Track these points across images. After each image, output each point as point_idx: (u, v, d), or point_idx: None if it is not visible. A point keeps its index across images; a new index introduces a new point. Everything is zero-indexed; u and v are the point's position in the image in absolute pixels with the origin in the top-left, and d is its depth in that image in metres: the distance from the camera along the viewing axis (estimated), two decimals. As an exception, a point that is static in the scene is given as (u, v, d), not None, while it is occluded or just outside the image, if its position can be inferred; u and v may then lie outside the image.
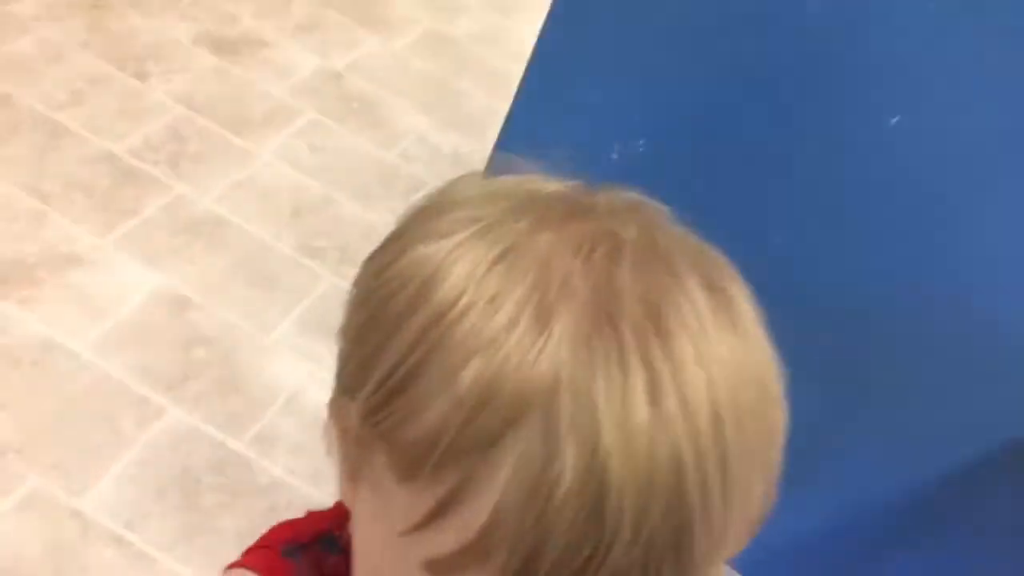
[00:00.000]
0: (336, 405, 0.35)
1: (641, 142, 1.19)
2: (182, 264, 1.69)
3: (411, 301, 0.32)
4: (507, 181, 0.36)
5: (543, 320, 0.30)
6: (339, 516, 0.48)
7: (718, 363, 0.31)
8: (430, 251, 0.32)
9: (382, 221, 1.91)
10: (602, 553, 0.29)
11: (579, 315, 0.30)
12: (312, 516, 0.52)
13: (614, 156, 1.19)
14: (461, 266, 0.31)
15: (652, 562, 0.30)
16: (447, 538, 0.30)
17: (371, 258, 0.36)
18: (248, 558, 0.48)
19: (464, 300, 0.31)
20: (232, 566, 0.47)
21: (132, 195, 1.76)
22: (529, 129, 1.23)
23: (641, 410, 0.29)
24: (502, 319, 0.30)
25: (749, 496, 0.33)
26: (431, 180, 2.00)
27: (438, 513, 0.30)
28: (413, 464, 0.31)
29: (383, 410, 0.32)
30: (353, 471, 0.35)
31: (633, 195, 0.37)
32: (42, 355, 1.48)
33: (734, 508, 0.32)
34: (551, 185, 0.36)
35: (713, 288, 0.33)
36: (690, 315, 0.31)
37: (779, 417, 0.34)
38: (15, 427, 1.39)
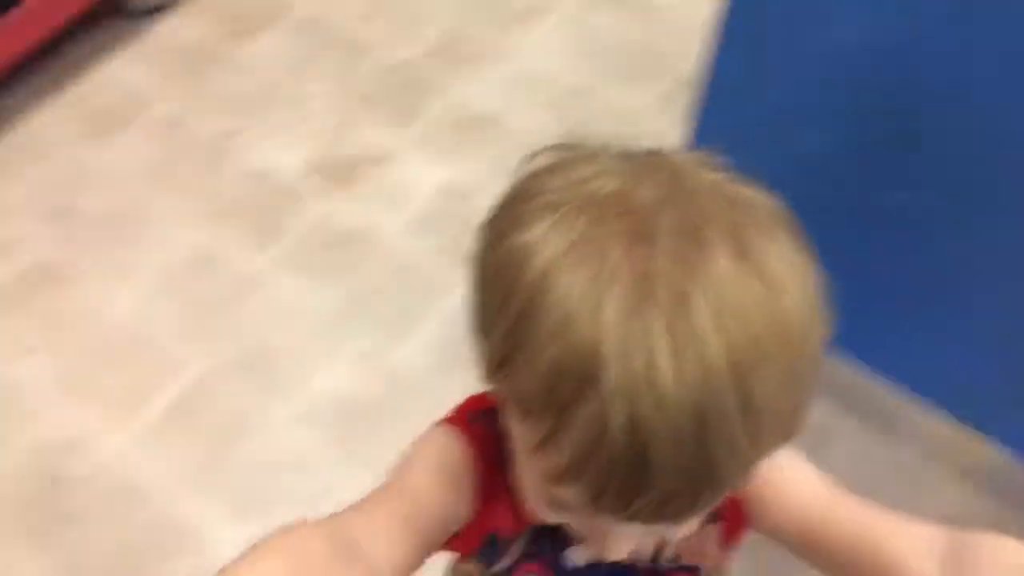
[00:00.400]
0: (477, 344, 0.46)
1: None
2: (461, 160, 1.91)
3: (509, 287, 0.41)
4: (573, 180, 0.43)
5: (599, 305, 0.38)
6: None
7: (737, 320, 0.38)
8: (523, 239, 0.41)
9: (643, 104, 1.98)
10: (648, 483, 0.39)
11: (623, 299, 0.38)
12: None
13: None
14: (544, 257, 0.40)
15: (691, 487, 0.40)
16: (549, 463, 0.41)
17: (484, 231, 0.45)
18: (446, 421, 0.60)
19: (546, 285, 0.39)
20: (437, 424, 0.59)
21: (416, 99, 2.00)
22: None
23: (667, 375, 0.37)
24: (572, 304, 0.38)
25: (774, 422, 0.41)
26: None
27: (540, 447, 0.41)
28: (522, 412, 0.42)
29: (498, 372, 0.43)
30: (499, 398, 0.46)
31: (677, 164, 0.43)
32: (360, 239, 1.79)
33: (760, 435, 0.40)
34: (607, 183, 0.42)
35: (742, 254, 0.39)
36: (713, 287, 0.38)
37: (805, 353, 0.41)
38: (346, 297, 1.72)
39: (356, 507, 0.52)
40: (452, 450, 0.57)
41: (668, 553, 0.60)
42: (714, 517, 0.59)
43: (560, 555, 0.60)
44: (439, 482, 0.55)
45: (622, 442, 0.38)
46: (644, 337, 0.37)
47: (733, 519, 0.60)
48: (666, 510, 0.41)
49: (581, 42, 2.11)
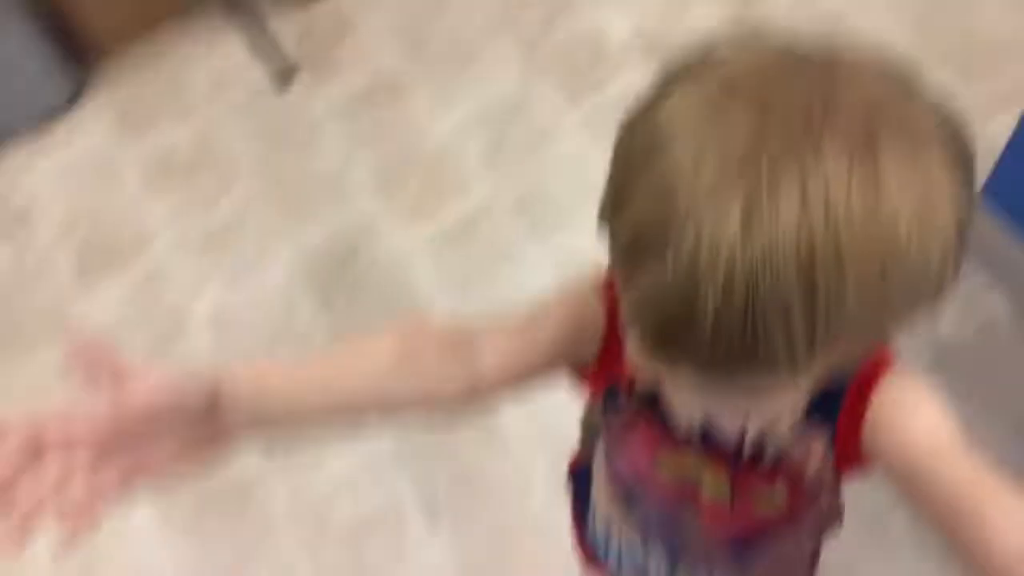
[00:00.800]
0: None
1: None
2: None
3: (632, 141, 0.45)
4: (729, 58, 0.44)
5: (697, 171, 0.40)
6: None
7: (823, 216, 0.38)
8: (653, 114, 0.44)
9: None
10: (692, 335, 0.41)
11: (723, 169, 0.40)
12: None
13: None
14: (673, 115, 0.43)
15: (730, 353, 0.41)
16: (624, 304, 0.45)
17: (629, 114, 0.47)
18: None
19: (657, 148, 0.42)
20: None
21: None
22: None
23: (729, 239, 0.38)
24: (672, 166, 0.41)
25: (843, 326, 0.40)
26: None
27: (620, 288, 0.45)
28: (611, 257, 0.46)
29: (604, 215, 0.46)
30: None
31: (843, 61, 0.43)
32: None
33: (820, 331, 0.40)
34: (760, 61, 0.43)
35: (858, 145, 0.39)
36: (812, 169, 0.38)
37: (895, 273, 0.40)
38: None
39: (492, 321, 0.61)
40: (588, 303, 0.62)
41: (771, 449, 0.62)
42: (822, 429, 0.60)
43: (667, 419, 0.63)
44: (568, 322, 0.61)
45: (676, 289, 0.40)
46: (724, 202, 0.39)
47: (848, 434, 0.59)
48: (709, 372, 0.43)
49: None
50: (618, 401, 0.67)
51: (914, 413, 0.56)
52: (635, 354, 0.50)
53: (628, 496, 0.76)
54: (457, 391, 0.59)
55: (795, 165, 0.39)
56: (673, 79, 0.45)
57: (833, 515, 0.70)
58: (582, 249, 1.69)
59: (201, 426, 0.48)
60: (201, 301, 1.81)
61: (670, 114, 0.43)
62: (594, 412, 0.78)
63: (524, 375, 0.61)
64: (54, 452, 0.43)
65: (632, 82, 1.88)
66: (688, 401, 0.52)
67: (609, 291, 0.62)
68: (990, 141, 1.67)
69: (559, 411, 0.91)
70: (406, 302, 1.72)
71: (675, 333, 0.42)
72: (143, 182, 1.99)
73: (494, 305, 1.68)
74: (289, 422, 0.54)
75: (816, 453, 0.61)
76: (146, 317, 1.81)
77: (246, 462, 1.59)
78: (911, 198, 0.40)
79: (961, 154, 0.43)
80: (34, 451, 0.43)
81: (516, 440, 1.54)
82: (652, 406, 0.63)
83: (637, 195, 0.43)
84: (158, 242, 1.90)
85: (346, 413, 0.55)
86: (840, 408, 0.58)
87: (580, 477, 0.89)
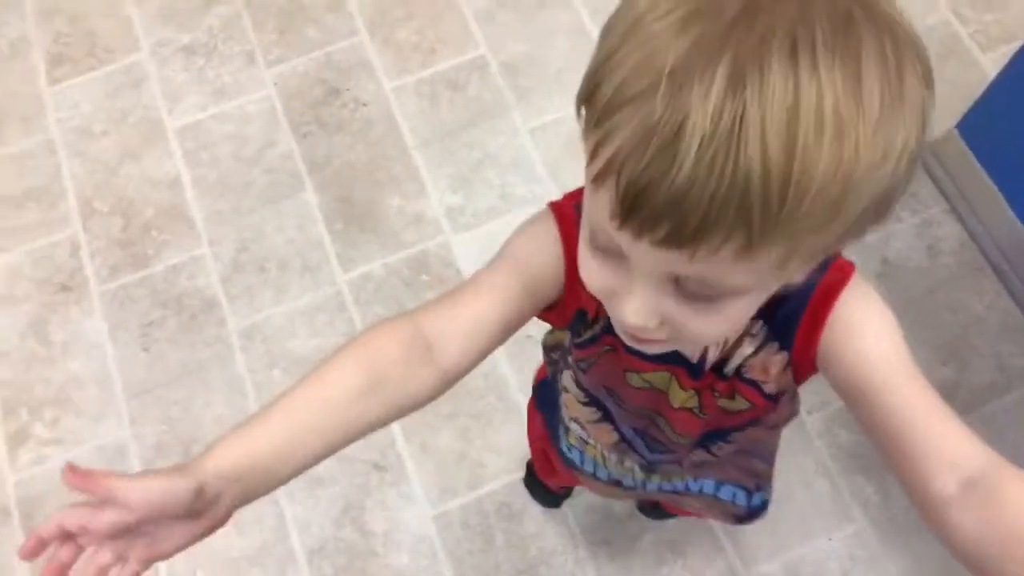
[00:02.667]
0: None
1: None
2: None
3: (622, 12, 0.45)
4: None
5: (685, 28, 0.41)
6: None
7: (811, 74, 0.39)
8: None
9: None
10: (670, 179, 0.41)
11: (713, 29, 0.40)
12: None
13: None
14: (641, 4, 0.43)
15: (707, 196, 0.41)
16: (595, 167, 0.45)
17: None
18: (553, 206, 0.64)
19: (646, 14, 0.43)
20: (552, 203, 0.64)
21: None
22: None
23: (720, 80, 0.39)
24: (661, 25, 0.42)
25: (821, 188, 0.40)
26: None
27: (594, 152, 0.45)
28: (589, 121, 0.45)
29: (585, 90, 0.46)
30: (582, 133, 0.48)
31: None
32: None
33: (797, 189, 0.40)
34: None
35: (842, 25, 0.40)
36: (801, 39, 0.40)
37: (885, 140, 0.41)
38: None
39: (438, 305, 0.61)
40: (550, 232, 0.63)
41: (730, 365, 0.65)
42: (780, 346, 0.62)
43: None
44: (519, 284, 0.62)
45: (660, 127, 0.40)
46: (715, 55, 0.40)
47: (804, 350, 0.60)
48: (681, 221, 0.42)
49: None
50: (588, 323, 0.68)
51: (867, 335, 0.56)
52: (593, 245, 0.50)
53: (600, 404, 0.79)
54: (430, 390, 0.60)
55: (787, 25, 0.40)
56: None
57: (792, 412, 0.73)
58: (560, 120, 1.71)
59: (197, 511, 0.52)
60: (177, 114, 1.78)
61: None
62: (555, 333, 0.81)
63: (487, 347, 0.62)
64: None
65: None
66: (632, 292, 0.50)
67: (571, 224, 0.62)
68: (982, 75, 1.68)
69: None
70: (384, 147, 1.72)
71: (654, 166, 0.41)
72: (127, -20, 1.90)
73: (470, 164, 1.69)
74: (278, 483, 0.56)
75: (775, 367, 0.63)
76: (119, 119, 1.78)
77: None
78: (881, 81, 0.41)
79: (929, 72, 0.44)
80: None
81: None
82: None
83: (619, 57, 0.43)
84: (140, 46, 1.85)
85: (331, 450, 0.58)
86: (798, 325, 0.59)
87: (546, 388, 0.93)
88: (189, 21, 1.87)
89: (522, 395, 1.50)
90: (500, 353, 1.52)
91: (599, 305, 0.63)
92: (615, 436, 0.82)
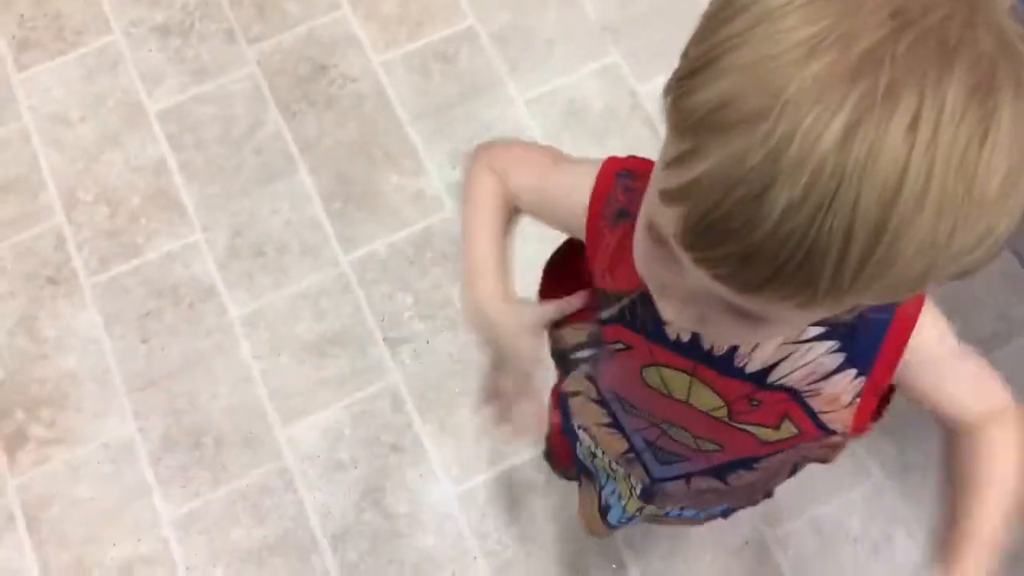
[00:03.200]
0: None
1: None
2: None
3: (743, 6, 0.39)
4: None
5: (808, 59, 0.36)
6: None
7: (929, 144, 0.35)
8: (777, 32, 0.37)
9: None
10: (748, 226, 0.38)
11: (840, 64, 0.35)
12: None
13: None
14: (799, 17, 0.37)
15: (774, 259, 0.38)
16: (673, 178, 0.41)
17: None
18: (602, 166, 0.66)
19: (768, 20, 0.37)
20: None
21: None
22: None
23: (828, 141, 0.35)
24: (784, 45, 0.36)
25: (900, 266, 0.37)
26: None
27: (676, 162, 0.41)
28: (678, 124, 0.41)
29: (683, 80, 0.41)
30: (665, 115, 0.44)
31: None
32: (655, -37, 1.78)
33: (874, 266, 0.37)
34: None
35: (980, 84, 0.36)
36: (930, 98, 0.35)
37: (986, 225, 0.38)
38: (619, 9, 1.75)
39: (519, 162, 0.73)
40: (584, 189, 0.65)
41: (778, 372, 0.61)
42: (858, 372, 0.61)
43: (658, 327, 0.63)
44: (565, 202, 0.67)
45: (754, 169, 0.37)
46: (831, 105, 0.35)
47: (881, 378, 0.61)
48: (744, 272, 0.40)
49: None
50: (606, 302, 0.67)
51: (942, 371, 0.64)
52: (652, 237, 0.48)
53: (610, 408, 0.77)
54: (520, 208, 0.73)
55: (916, 83, 0.35)
56: None
57: (838, 448, 0.71)
58: (557, 89, 1.70)
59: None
60: (157, 96, 1.71)
61: (779, 31, 0.37)
62: (564, 338, 0.79)
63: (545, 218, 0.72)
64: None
65: (629, -79, 1.82)
66: (678, 298, 0.49)
67: (604, 193, 0.64)
68: None
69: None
70: (376, 123, 1.68)
71: (732, 216, 0.38)
72: (93, -42, 1.82)
73: (467, 138, 1.66)
74: None
75: (848, 395, 0.62)
76: (96, 104, 1.70)
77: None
78: (1011, 156, 0.37)
79: None
80: None
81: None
82: (648, 313, 0.62)
83: (733, 60, 0.38)
84: (112, 27, 1.77)
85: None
86: (878, 354, 0.59)
87: (563, 399, 0.92)
88: (161, 0, 1.79)
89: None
90: (513, 327, 1.51)
91: (621, 283, 0.64)
92: (625, 445, 0.80)
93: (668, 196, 0.41)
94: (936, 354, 0.62)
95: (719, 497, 0.85)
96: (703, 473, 0.78)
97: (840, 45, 0.36)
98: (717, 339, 0.54)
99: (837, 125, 0.35)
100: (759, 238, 0.37)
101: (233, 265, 1.58)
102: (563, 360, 0.81)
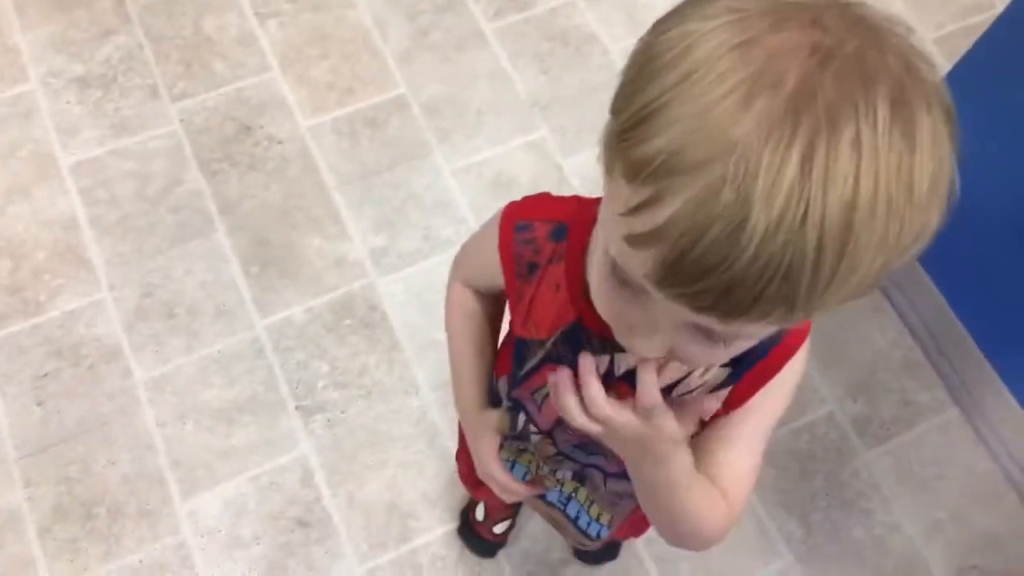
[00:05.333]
0: (607, 124, 0.47)
1: None
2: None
3: (670, 61, 0.41)
4: None
5: (748, 101, 0.39)
6: (575, 211, 0.66)
7: (872, 160, 0.39)
8: (693, 28, 0.42)
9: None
10: (728, 263, 0.40)
11: (776, 104, 0.39)
12: (552, 202, 0.70)
13: None
14: (708, 46, 0.41)
15: (762, 281, 0.40)
16: (638, 224, 0.43)
17: (658, 22, 0.45)
18: (499, 224, 0.70)
19: (701, 71, 0.40)
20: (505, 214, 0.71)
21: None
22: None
23: (790, 173, 0.38)
24: (721, 91, 0.39)
25: (862, 268, 0.41)
26: None
27: (639, 208, 0.42)
28: (633, 173, 0.42)
29: (627, 133, 0.43)
30: (607, 167, 0.46)
31: (869, 11, 0.42)
32: (585, 44, 1.83)
33: (843, 271, 0.40)
34: (840, 25, 0.41)
35: (898, 102, 0.40)
36: (864, 120, 0.39)
37: (922, 221, 0.42)
38: (548, 86, 1.78)
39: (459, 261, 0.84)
40: (491, 251, 0.71)
41: (681, 388, 0.64)
42: (732, 379, 0.64)
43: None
44: (483, 270, 0.75)
45: (725, 213, 0.39)
46: (784, 138, 0.38)
47: (746, 392, 0.64)
48: (726, 301, 0.42)
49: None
50: (530, 351, 0.70)
51: (775, 398, 0.65)
52: (617, 280, 0.49)
53: (548, 432, 0.79)
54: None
55: (850, 107, 0.39)
56: (687, 15, 0.43)
57: None
58: (484, 161, 1.71)
59: None
60: (72, 148, 1.66)
61: (715, 29, 0.41)
62: (502, 381, 0.84)
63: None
64: None
65: (557, 5, 1.87)
66: (646, 336, 0.51)
67: (509, 247, 0.69)
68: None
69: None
70: (301, 186, 1.66)
71: (711, 252, 0.40)
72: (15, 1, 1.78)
73: (393, 205, 1.65)
74: None
75: (716, 400, 0.65)
76: (7, 153, 1.64)
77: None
78: (933, 159, 0.41)
79: (955, 124, 0.44)
80: None
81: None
82: (569, 348, 0.66)
83: (675, 111, 0.40)
84: (28, 75, 1.72)
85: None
86: (751, 367, 0.62)
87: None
88: (84, 51, 1.75)
89: (453, 442, 1.46)
90: (430, 400, 1.49)
91: (537, 330, 0.68)
92: (554, 450, 0.82)
93: (637, 241, 0.43)
94: (776, 394, 0.64)
95: (630, 500, 0.86)
96: (617, 476, 0.80)
97: (772, 86, 0.39)
98: (687, 363, 0.56)
99: (795, 155, 0.38)
100: (739, 268, 0.40)
101: (141, 326, 1.52)
102: (517, 439, 0.84)
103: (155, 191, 1.63)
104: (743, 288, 0.41)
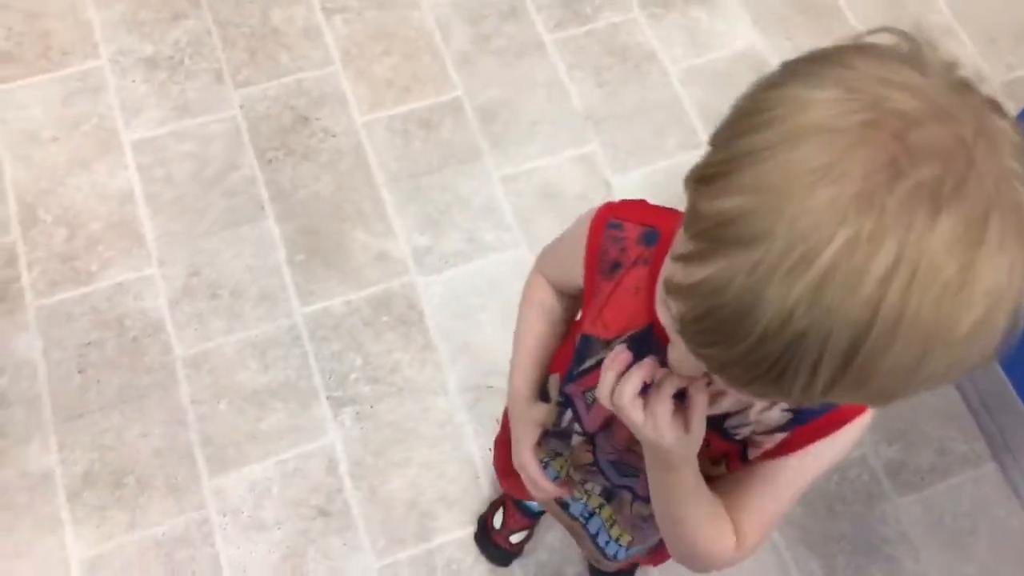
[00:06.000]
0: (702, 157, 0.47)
1: None
2: (783, 37, 1.86)
3: (764, 121, 0.41)
4: (882, 74, 0.41)
5: (814, 188, 0.38)
6: (669, 219, 0.67)
7: (904, 292, 0.37)
8: (799, 94, 0.40)
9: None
10: (733, 338, 0.41)
11: (836, 201, 0.37)
12: (648, 208, 0.71)
13: None
14: (802, 121, 0.39)
15: (757, 371, 0.41)
16: (679, 273, 0.44)
17: (776, 73, 0.44)
18: (591, 220, 0.72)
19: (783, 146, 0.39)
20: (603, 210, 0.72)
21: (774, -39, 1.93)
22: None
23: (806, 283, 0.37)
24: (795, 172, 0.38)
25: (876, 382, 0.40)
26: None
27: (684, 259, 0.43)
28: (691, 224, 0.43)
29: (701, 185, 0.43)
30: (687, 196, 0.46)
31: (988, 125, 0.40)
32: (644, 62, 1.83)
33: (848, 382, 0.40)
34: (909, 100, 0.39)
35: (961, 243, 0.37)
36: (909, 250, 0.37)
37: (954, 358, 0.40)
38: (603, 101, 1.78)
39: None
40: (578, 247, 0.72)
41: (740, 426, 0.65)
42: (790, 425, 0.64)
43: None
44: (566, 264, 0.75)
45: (737, 296, 0.40)
46: (818, 245, 0.37)
47: (798, 443, 0.64)
48: (725, 372, 0.44)
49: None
50: (592, 349, 0.71)
51: (823, 454, 0.64)
52: (665, 309, 0.50)
53: (591, 436, 0.79)
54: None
55: (905, 225, 0.37)
56: (825, 61, 0.42)
57: None
58: (534, 170, 1.72)
59: None
60: (135, 126, 1.70)
61: (813, 108, 0.40)
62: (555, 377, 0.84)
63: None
64: None
65: (619, 21, 1.87)
66: (687, 363, 0.54)
67: (596, 245, 0.70)
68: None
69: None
70: (352, 180, 1.68)
71: (718, 328, 0.42)
72: (92, -17, 1.83)
73: (439, 206, 1.67)
74: None
75: (772, 442, 0.65)
76: (71, 126, 1.69)
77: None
78: (985, 303, 0.39)
79: None
80: None
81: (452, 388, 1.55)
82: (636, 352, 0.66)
83: (749, 176, 0.40)
84: (100, 53, 1.77)
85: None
86: (811, 419, 0.62)
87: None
88: (154, 33, 1.80)
89: (477, 447, 1.46)
90: (459, 403, 1.49)
91: (606, 329, 0.69)
92: (590, 458, 0.82)
93: (671, 288, 0.45)
94: (816, 454, 0.63)
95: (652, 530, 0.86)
96: (645, 500, 0.79)
97: (840, 182, 0.38)
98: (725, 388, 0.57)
99: (827, 255, 0.37)
100: (738, 353, 0.41)
101: (185, 304, 1.55)
102: (558, 436, 0.84)
103: (211, 174, 1.67)
104: (740, 369, 0.43)
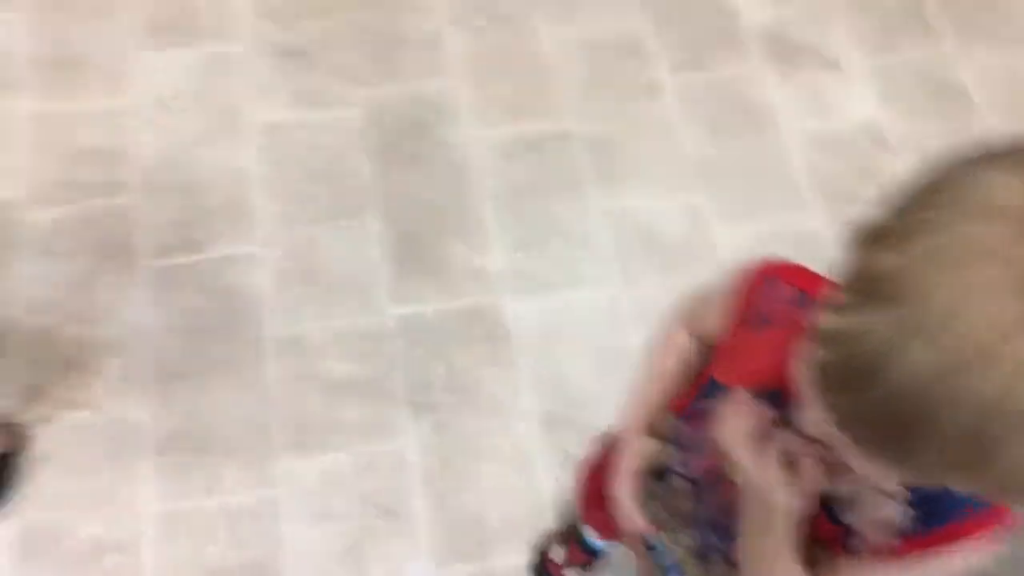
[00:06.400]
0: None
1: None
2: (906, 115, 1.84)
3: (954, 198, 0.42)
4: None
5: (971, 264, 0.40)
6: (822, 285, 0.65)
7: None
8: (991, 177, 0.42)
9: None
10: (873, 386, 0.42)
11: (998, 281, 0.39)
12: (808, 273, 0.71)
13: None
14: (1000, 199, 0.41)
15: (876, 426, 0.43)
16: (825, 321, 0.46)
17: (973, 155, 0.45)
18: (762, 265, 0.73)
19: (972, 224, 0.41)
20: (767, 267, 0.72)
21: (896, 40, 1.92)
22: None
23: (929, 369, 0.40)
24: (962, 250, 0.40)
25: (986, 467, 0.41)
26: None
27: (836, 308, 0.45)
28: (849, 273, 0.45)
29: (873, 241, 0.45)
30: (850, 248, 0.47)
31: None
32: (762, 118, 1.83)
33: (962, 462, 0.41)
34: None
35: None
36: None
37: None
38: (716, 151, 1.79)
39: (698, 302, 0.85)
40: (731, 294, 0.73)
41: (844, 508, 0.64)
42: (919, 525, 0.62)
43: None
44: (716, 309, 0.76)
45: (866, 353, 0.42)
46: (961, 331, 0.39)
47: (925, 545, 0.62)
48: (854, 426, 0.46)
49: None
50: (720, 392, 0.71)
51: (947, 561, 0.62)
52: (800, 369, 0.51)
53: (692, 492, 0.80)
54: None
55: None
56: (995, 163, 0.43)
57: None
58: (637, 210, 1.73)
59: None
60: (261, 109, 1.77)
61: (1004, 191, 0.41)
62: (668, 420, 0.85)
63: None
64: None
65: (742, 73, 1.88)
66: (810, 420, 0.54)
67: (749, 293, 0.72)
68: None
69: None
70: (458, 192, 1.71)
71: (854, 372, 0.44)
72: (241, -33, 1.91)
73: (540, 230, 1.69)
74: None
75: (883, 539, 0.64)
76: (202, 100, 1.76)
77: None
78: None
79: None
80: None
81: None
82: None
83: (920, 242, 0.42)
84: (240, 35, 1.84)
85: None
86: (939, 526, 0.61)
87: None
88: (293, 24, 1.87)
89: (547, 477, 1.48)
90: (535, 429, 1.51)
91: (747, 386, 0.68)
92: (689, 507, 0.82)
93: (815, 336, 0.47)
94: (943, 567, 0.62)
95: None
96: (735, 565, 0.79)
97: (1007, 266, 0.39)
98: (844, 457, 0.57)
99: (962, 338, 0.39)
100: (866, 403, 0.43)
101: (283, 286, 1.60)
102: (659, 476, 0.85)
103: (324, 166, 1.72)
104: (864, 423, 0.44)
